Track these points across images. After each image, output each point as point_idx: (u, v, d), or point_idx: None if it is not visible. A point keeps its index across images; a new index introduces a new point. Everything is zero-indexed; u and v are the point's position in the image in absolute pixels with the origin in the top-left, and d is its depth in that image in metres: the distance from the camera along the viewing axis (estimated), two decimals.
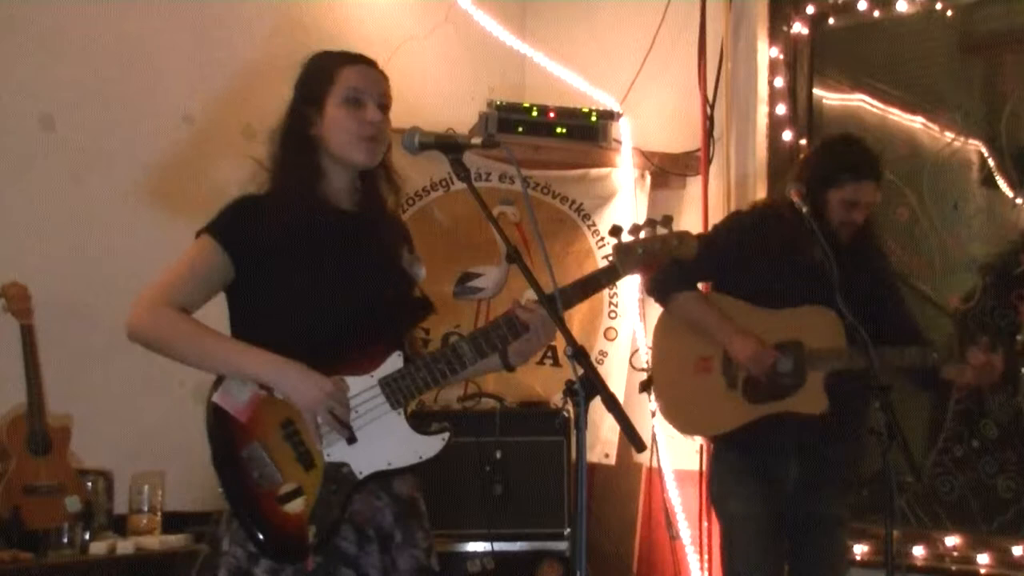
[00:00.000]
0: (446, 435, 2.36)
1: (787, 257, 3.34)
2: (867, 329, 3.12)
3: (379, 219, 2.49)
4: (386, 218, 2.51)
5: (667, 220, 2.35)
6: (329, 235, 2.38)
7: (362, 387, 2.33)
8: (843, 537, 3.51)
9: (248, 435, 2.29)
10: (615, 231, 2.34)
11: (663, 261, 2.36)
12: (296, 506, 2.27)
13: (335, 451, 2.30)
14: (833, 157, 3.42)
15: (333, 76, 2.41)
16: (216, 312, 2.43)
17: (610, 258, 2.37)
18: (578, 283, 2.38)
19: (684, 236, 2.37)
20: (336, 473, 2.29)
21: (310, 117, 2.41)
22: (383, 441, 2.32)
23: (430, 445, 2.35)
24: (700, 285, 3.57)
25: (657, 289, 3.49)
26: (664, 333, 3.57)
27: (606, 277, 2.41)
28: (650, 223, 2.34)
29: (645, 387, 3.69)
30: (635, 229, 2.33)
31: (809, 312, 3.29)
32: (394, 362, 2.35)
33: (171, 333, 2.30)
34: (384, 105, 2.43)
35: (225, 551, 2.31)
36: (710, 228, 3.67)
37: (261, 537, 2.26)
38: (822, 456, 3.32)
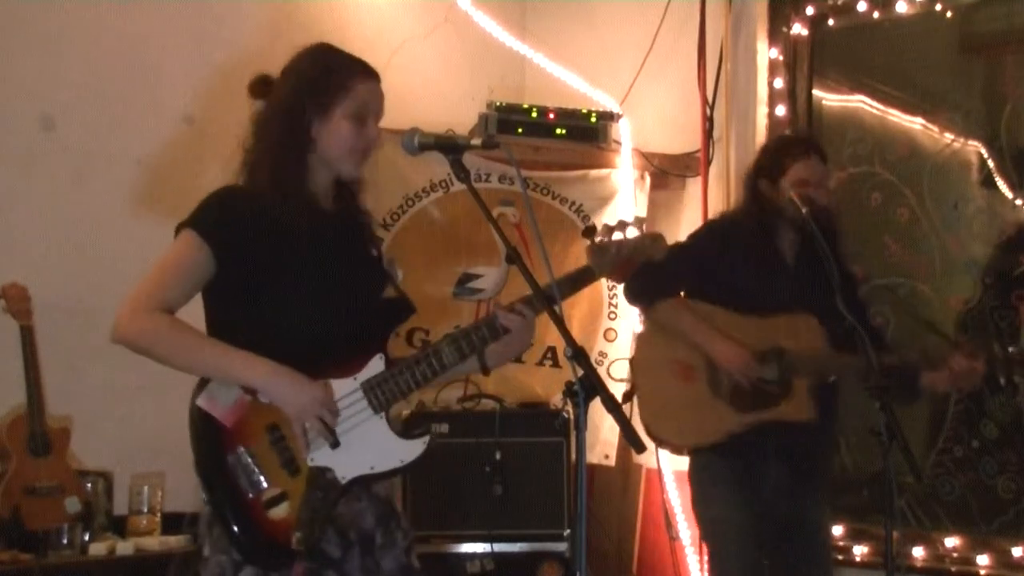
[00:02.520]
0: (427, 438, 2.34)
1: (761, 261, 3.36)
2: (842, 327, 3.11)
3: (358, 220, 2.49)
4: (363, 220, 2.51)
5: (639, 221, 2.36)
6: (315, 235, 2.35)
7: (345, 391, 2.31)
8: (828, 536, 3.52)
9: (234, 440, 2.26)
10: (588, 232, 2.34)
11: (636, 262, 2.38)
12: (281, 512, 2.25)
13: (318, 456, 2.28)
14: (770, 150, 3.55)
15: (348, 87, 2.38)
16: (196, 310, 2.40)
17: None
18: (554, 284, 2.36)
19: (656, 237, 2.40)
20: (320, 478, 2.27)
21: (313, 118, 2.37)
22: (365, 445, 2.30)
23: (411, 449, 2.34)
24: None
25: (639, 296, 3.49)
26: (645, 343, 3.59)
27: (582, 278, 2.40)
28: (621, 224, 2.35)
29: (627, 398, 3.69)
30: (607, 230, 2.34)
31: (792, 319, 3.30)
32: (376, 365, 2.34)
33: (157, 337, 2.26)
34: (379, 119, 2.44)
35: (206, 557, 2.29)
36: (687, 237, 3.66)
37: (246, 544, 2.23)
38: (802, 458, 3.32)
